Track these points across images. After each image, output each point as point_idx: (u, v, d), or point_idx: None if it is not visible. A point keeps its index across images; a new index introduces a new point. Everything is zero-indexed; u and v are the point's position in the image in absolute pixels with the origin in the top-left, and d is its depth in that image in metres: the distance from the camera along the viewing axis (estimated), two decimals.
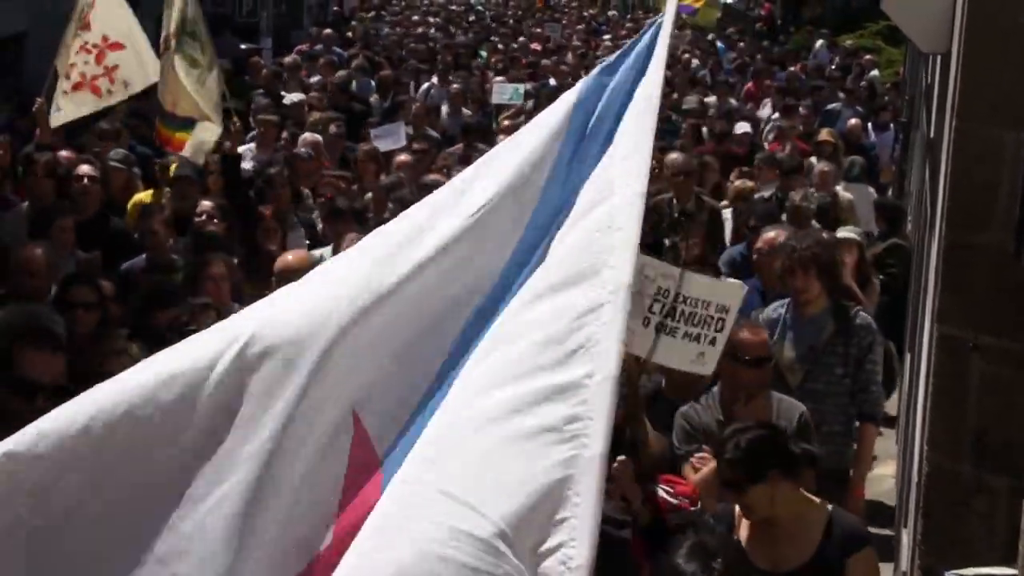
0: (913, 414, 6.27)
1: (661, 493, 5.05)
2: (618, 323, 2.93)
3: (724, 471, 4.81)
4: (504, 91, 16.30)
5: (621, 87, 3.33)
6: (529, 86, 17.37)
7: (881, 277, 10.14)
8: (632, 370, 5.12)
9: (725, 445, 4.76)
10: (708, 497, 5.17)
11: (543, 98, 15.98)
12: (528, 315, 3.03)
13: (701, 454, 5.52)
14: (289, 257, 7.05)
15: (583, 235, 3.10)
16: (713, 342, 5.13)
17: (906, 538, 5.00)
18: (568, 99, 3.37)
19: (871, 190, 12.33)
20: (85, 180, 8.65)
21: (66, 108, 9.67)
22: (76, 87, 9.63)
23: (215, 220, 8.38)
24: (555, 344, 2.93)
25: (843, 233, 8.49)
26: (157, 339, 6.03)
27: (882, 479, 8.97)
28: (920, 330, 6.26)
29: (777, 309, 6.85)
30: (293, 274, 6.48)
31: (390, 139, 12.63)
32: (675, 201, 10.13)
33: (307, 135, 12.13)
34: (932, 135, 6.52)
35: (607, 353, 2.89)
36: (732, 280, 5.66)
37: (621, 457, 4.90)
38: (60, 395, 4.31)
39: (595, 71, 3.39)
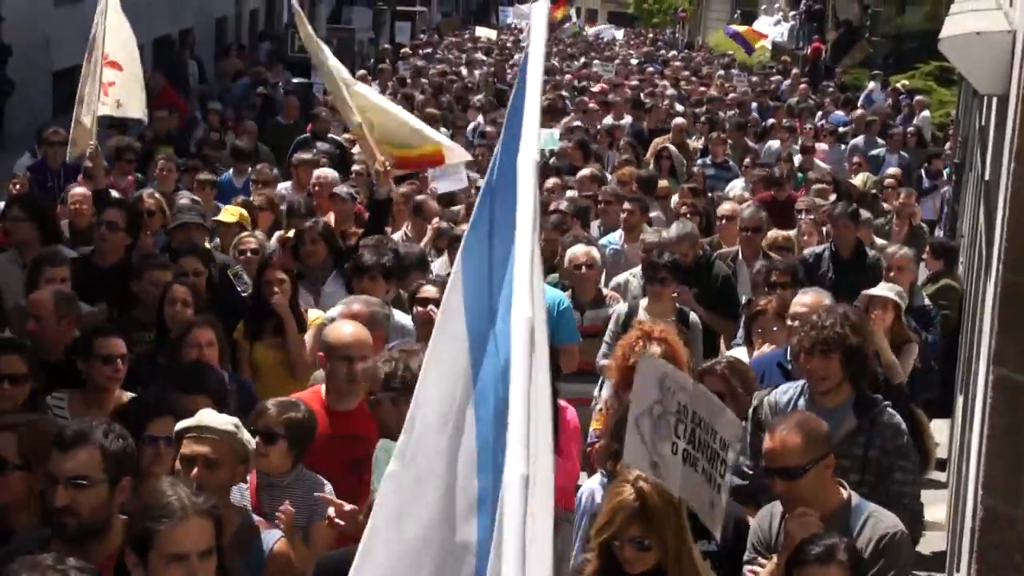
0: (967, 456, 6.19)
1: None
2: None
3: None
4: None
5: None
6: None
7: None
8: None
9: None
10: None
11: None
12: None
13: (753, 567, 4.78)
14: (345, 330, 6.02)
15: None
16: (719, 490, 4.25)
17: None
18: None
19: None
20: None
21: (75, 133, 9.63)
22: (80, 103, 9.65)
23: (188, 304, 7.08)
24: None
25: (880, 291, 7.77)
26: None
27: (931, 525, 8.83)
28: (974, 371, 6.19)
29: (789, 391, 5.78)
30: (343, 349, 5.82)
31: (449, 180, 12.38)
32: (740, 256, 9.59)
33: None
34: (988, 177, 6.47)
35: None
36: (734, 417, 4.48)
37: None
38: None
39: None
